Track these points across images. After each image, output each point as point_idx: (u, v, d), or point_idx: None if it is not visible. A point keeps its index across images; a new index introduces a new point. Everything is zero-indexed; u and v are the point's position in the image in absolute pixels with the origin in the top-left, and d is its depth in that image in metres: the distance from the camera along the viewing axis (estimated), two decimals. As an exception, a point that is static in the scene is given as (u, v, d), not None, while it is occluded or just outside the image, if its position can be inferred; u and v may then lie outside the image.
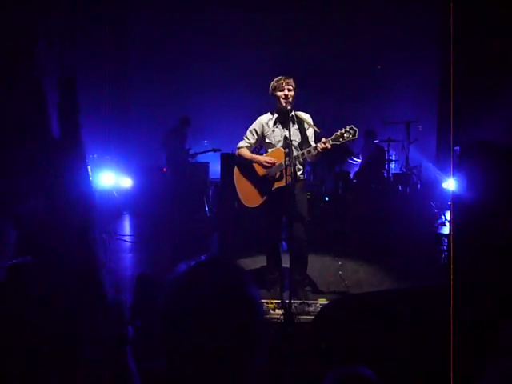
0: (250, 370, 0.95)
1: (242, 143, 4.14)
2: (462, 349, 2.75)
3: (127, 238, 6.53)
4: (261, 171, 4.00)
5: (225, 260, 1.02)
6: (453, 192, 6.17)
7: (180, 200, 7.83)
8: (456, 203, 5.81)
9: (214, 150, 7.55)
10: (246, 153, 4.08)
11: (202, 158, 8.46)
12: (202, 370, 0.92)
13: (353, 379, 1.26)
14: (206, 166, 8.52)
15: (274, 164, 3.89)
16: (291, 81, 3.88)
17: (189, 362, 0.93)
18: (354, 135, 3.63)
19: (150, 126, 9.62)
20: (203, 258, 1.01)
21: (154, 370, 1.07)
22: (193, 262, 0.99)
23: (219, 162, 7.37)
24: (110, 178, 8.20)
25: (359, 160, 8.72)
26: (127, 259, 5.65)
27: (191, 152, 8.40)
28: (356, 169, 8.76)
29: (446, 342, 2.83)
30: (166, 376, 0.98)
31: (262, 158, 3.96)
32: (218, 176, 7.66)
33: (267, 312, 3.67)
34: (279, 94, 3.86)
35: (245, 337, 0.94)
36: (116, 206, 8.11)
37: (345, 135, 3.63)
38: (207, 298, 0.94)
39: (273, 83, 3.92)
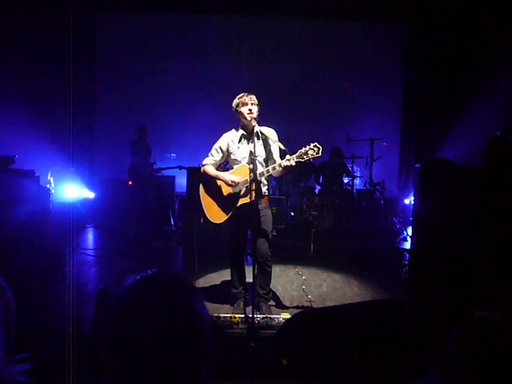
0: (196, 382, 0.96)
1: (207, 160, 4.12)
2: (419, 361, 2.82)
3: (90, 252, 6.42)
4: (226, 187, 4.00)
5: (171, 274, 1.02)
6: (414, 208, 6.32)
7: (145, 214, 7.74)
8: (417, 219, 5.96)
9: (180, 168, 7.46)
10: (211, 170, 4.08)
11: (168, 172, 8.40)
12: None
13: None
14: (171, 179, 8.46)
15: (238, 183, 3.89)
16: (253, 96, 3.92)
17: (134, 378, 0.92)
18: (317, 153, 3.59)
19: (116, 138, 9.55)
20: (149, 272, 1.01)
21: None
22: (138, 277, 1.00)
23: (185, 176, 7.34)
24: (74, 191, 8.05)
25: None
26: (90, 273, 5.54)
27: (156, 166, 8.34)
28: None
29: (404, 353, 2.90)
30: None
31: (228, 177, 3.93)
32: (184, 190, 7.62)
33: (229, 326, 3.67)
34: (243, 109, 3.87)
35: (189, 350, 0.95)
36: (80, 219, 7.95)
37: (309, 152, 3.59)
38: (149, 313, 0.94)
39: (235, 100, 3.95)
